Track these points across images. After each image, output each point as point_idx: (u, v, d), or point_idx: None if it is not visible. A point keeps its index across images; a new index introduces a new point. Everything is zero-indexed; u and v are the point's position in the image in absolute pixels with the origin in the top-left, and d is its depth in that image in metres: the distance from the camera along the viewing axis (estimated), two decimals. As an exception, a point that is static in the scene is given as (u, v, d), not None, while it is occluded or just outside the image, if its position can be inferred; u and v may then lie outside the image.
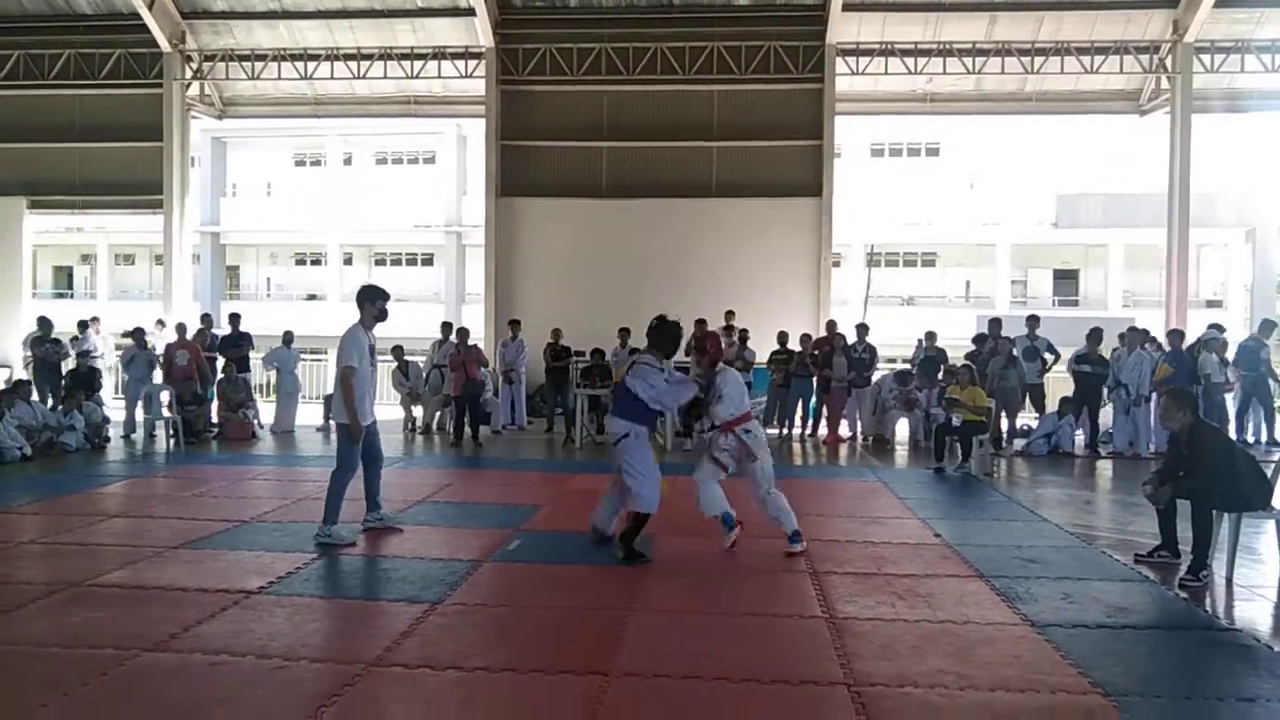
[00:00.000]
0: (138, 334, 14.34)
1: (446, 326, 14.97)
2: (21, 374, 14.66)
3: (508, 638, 5.09)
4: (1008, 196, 32.53)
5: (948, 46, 16.94)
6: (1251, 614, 5.80)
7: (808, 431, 14.25)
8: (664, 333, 6.71)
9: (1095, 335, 13.15)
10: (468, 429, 13.35)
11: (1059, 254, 34.46)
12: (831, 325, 14.60)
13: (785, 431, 14.16)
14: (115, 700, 4.11)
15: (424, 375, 14.68)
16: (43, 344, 14.47)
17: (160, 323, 16.17)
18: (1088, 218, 32.15)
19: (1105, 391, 13.03)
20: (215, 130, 31.80)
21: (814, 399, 14.21)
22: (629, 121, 17.26)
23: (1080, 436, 13.07)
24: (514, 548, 6.97)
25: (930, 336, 14.34)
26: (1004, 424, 13.00)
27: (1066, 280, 35.10)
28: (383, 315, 7.23)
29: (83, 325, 15.49)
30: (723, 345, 12.41)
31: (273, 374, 14.55)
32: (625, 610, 5.43)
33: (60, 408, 12.66)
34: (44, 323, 14.83)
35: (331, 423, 8.94)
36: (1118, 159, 30.58)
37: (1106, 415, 13.31)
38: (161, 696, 4.13)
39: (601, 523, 6.91)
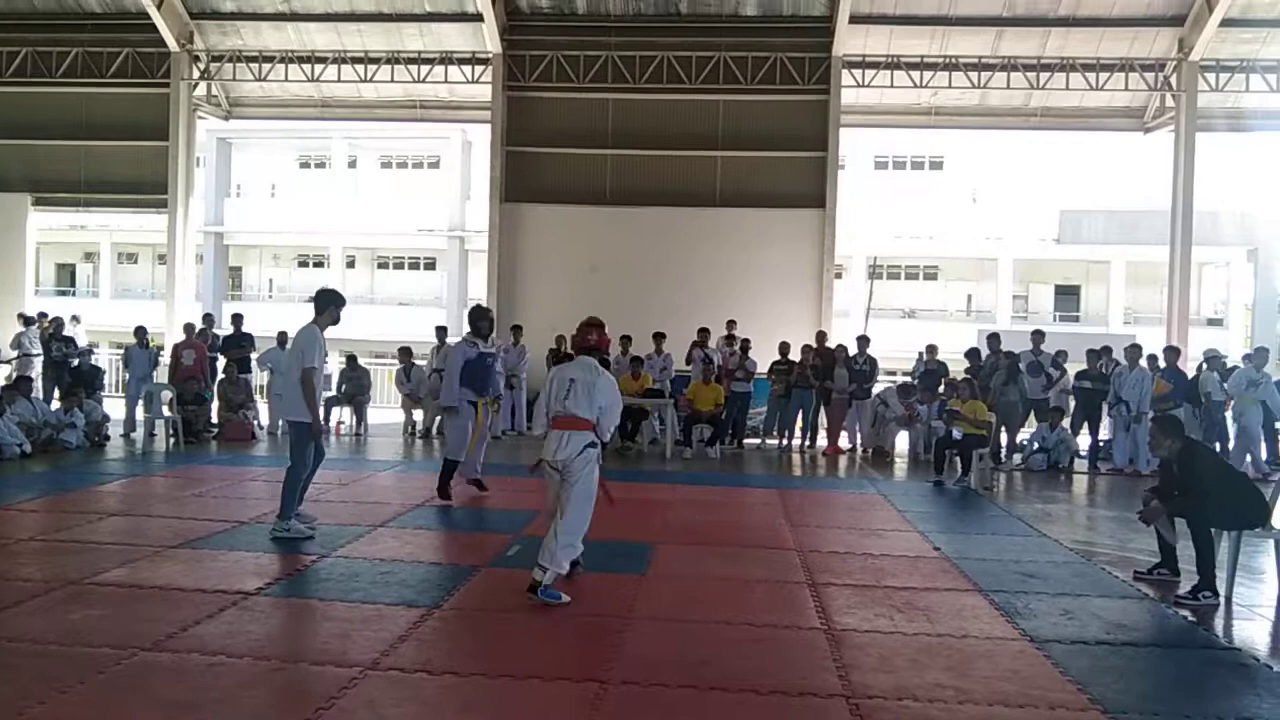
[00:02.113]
0: (139, 333, 14.34)
1: (442, 331, 14.99)
2: (24, 371, 14.62)
3: (505, 643, 5.08)
4: (1010, 211, 32.58)
5: (953, 61, 16.97)
6: (1251, 633, 5.79)
7: (807, 443, 14.25)
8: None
9: (1102, 351, 13.18)
10: (468, 434, 13.33)
11: (1061, 269, 34.51)
12: (821, 336, 14.61)
13: (785, 442, 14.16)
14: (113, 699, 4.10)
15: (425, 379, 14.68)
16: (53, 341, 14.46)
17: (75, 318, 15.99)
18: (1090, 234, 32.21)
19: (1105, 408, 13.03)
20: (221, 131, 31.84)
21: (814, 410, 14.21)
22: (634, 129, 17.28)
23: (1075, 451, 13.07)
24: (513, 553, 6.96)
25: (931, 350, 14.35)
26: (1004, 439, 13.00)
27: (1068, 296, 35.13)
28: (336, 319, 7.56)
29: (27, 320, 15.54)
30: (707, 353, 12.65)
31: (267, 374, 14.50)
32: (623, 618, 5.42)
33: (60, 405, 12.66)
34: (49, 319, 14.84)
35: (281, 422, 9.17)
36: (1121, 176, 30.62)
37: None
38: (159, 696, 4.12)
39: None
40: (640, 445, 13.66)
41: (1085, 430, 13.49)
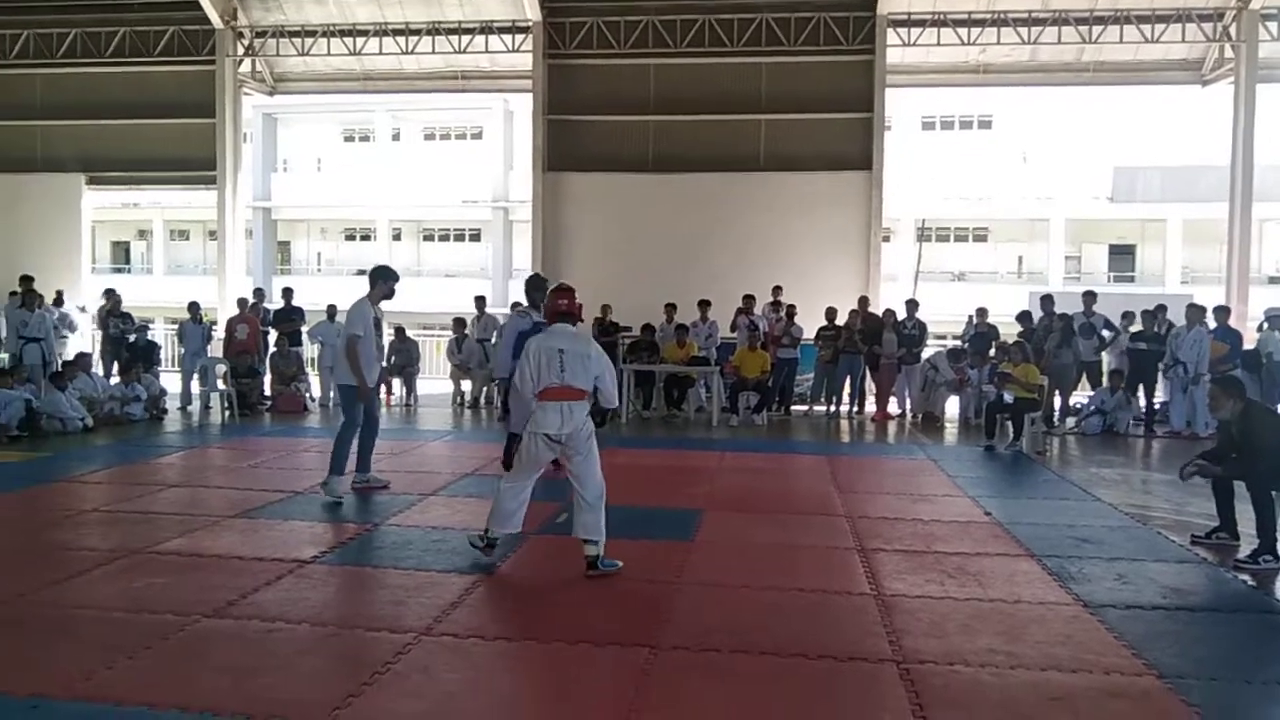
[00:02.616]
0: (193, 308, 14.61)
1: (481, 300, 15.07)
2: (86, 347, 14.97)
3: (556, 609, 5.14)
4: (1062, 170, 31.83)
5: (1002, 16, 16.55)
6: (1313, 597, 5.67)
7: (856, 409, 14.15)
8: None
9: (1156, 311, 12.90)
10: (515, 403, 13.45)
11: (1115, 229, 33.66)
12: (863, 301, 14.45)
13: (833, 409, 14.08)
14: (177, 663, 4.22)
15: (475, 350, 14.77)
16: (110, 318, 14.76)
17: (81, 308, 16.17)
18: (1146, 191, 31.35)
19: (1161, 370, 12.77)
20: (266, 106, 32.05)
21: (862, 376, 14.10)
22: (676, 94, 17.11)
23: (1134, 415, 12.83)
24: (561, 520, 6.99)
25: (981, 313, 14.14)
26: (1057, 402, 12.80)
27: (1122, 256, 34.30)
28: (390, 294, 7.88)
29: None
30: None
31: (317, 347, 14.67)
32: (672, 584, 5.45)
33: (118, 380, 12.97)
34: (110, 294, 15.15)
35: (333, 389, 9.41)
36: (1178, 131, 29.74)
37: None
38: (221, 661, 4.23)
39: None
40: (686, 413, 13.67)
41: (1140, 393, 13.22)
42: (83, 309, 17.17)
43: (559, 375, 5.73)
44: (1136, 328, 13.19)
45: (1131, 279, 33.02)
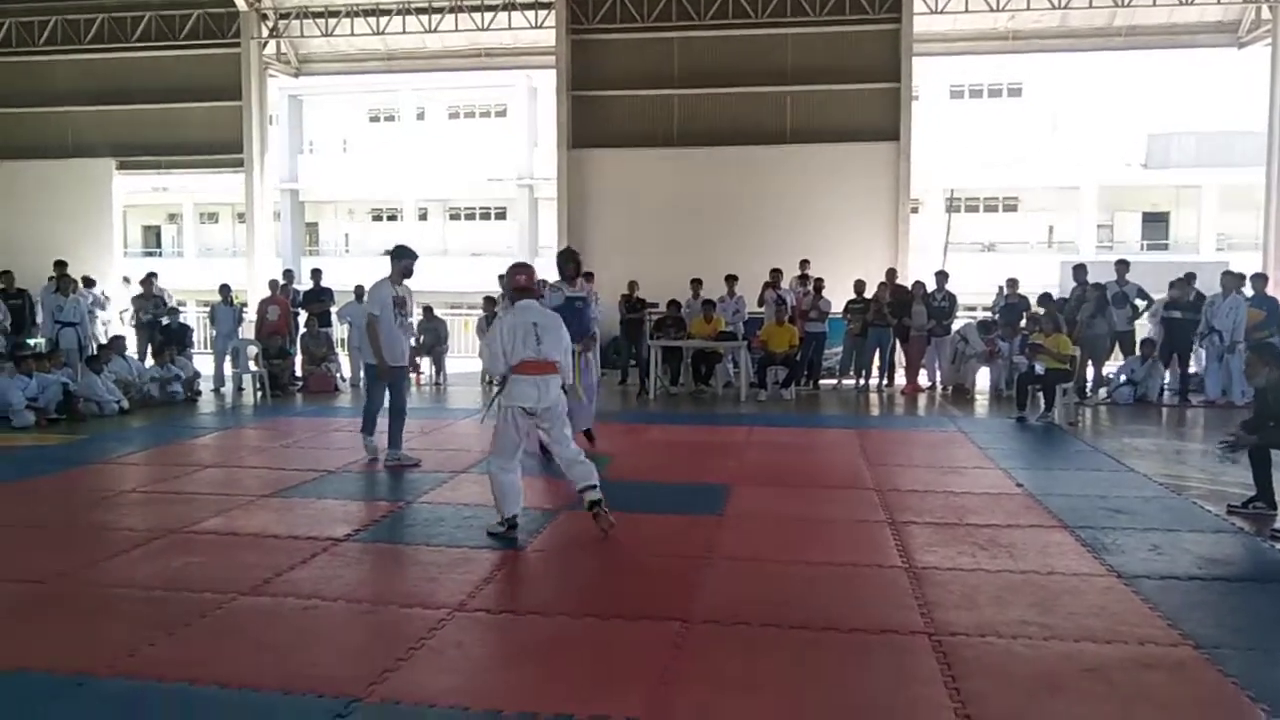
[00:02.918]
0: (223, 290, 14.75)
1: (504, 278, 15.08)
2: (119, 330, 15.16)
3: (587, 584, 5.18)
4: (1094, 137, 31.30)
5: (1032, -20, 16.27)
6: (1352, 566, 5.60)
7: (885, 381, 14.08)
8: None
9: (1186, 279, 12.70)
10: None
11: (1148, 196, 33.11)
12: (891, 274, 14.32)
13: (863, 382, 14.02)
14: (216, 640, 4.29)
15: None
16: (144, 300, 14.92)
17: (153, 275, 16.24)
18: (1180, 157, 30.79)
19: (1197, 338, 12.59)
20: (292, 88, 32.22)
21: (891, 348, 14.01)
22: (700, 68, 16.99)
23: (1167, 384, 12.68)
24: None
25: (1012, 283, 13.98)
26: (1090, 372, 12.67)
27: (1156, 223, 33.77)
28: (408, 272, 8.22)
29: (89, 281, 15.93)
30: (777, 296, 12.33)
31: (345, 328, 14.73)
32: (703, 558, 5.46)
33: (153, 363, 13.14)
34: (146, 281, 15.31)
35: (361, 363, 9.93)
36: (1212, 95, 29.14)
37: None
38: (259, 638, 4.30)
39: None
40: (714, 389, 13.66)
41: (1175, 362, 13.06)
42: (126, 280, 17.26)
43: (535, 349, 5.82)
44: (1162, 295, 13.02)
45: (1165, 247, 32.50)
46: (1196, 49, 18.45)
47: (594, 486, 5.88)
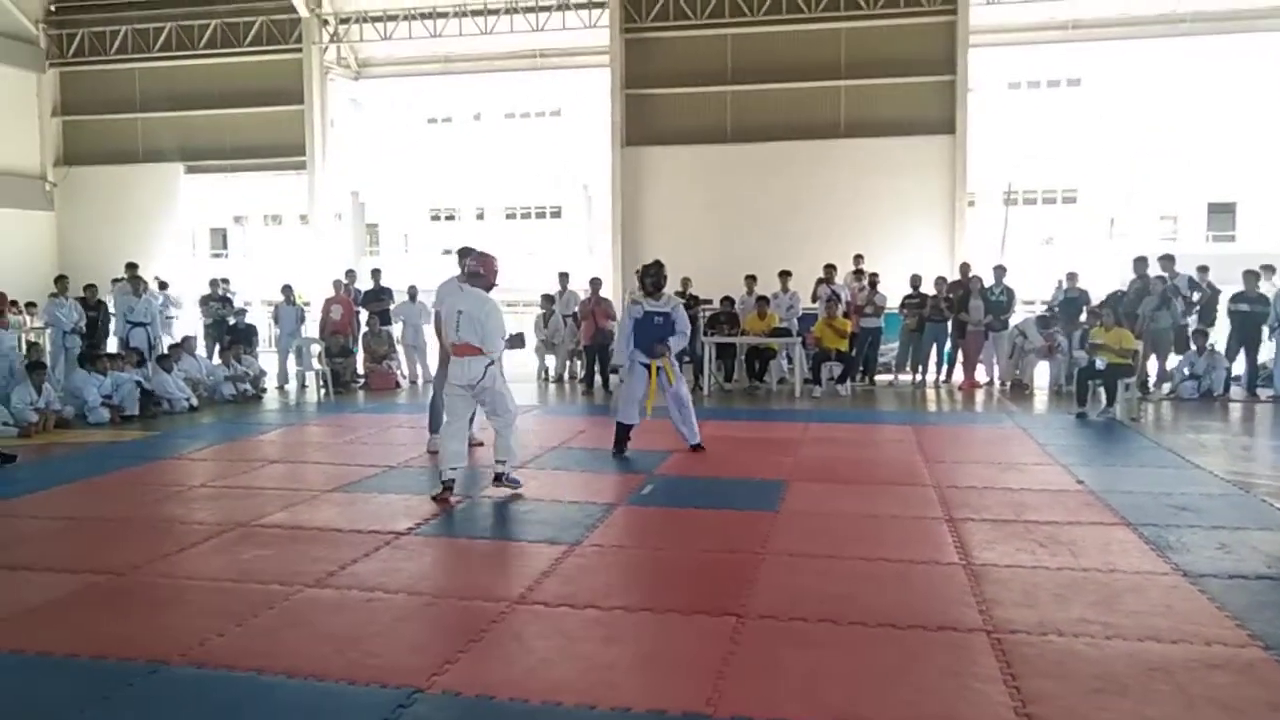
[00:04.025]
0: (286, 291, 15.06)
1: (564, 277, 15.19)
2: (190, 330, 15.55)
3: (643, 579, 5.22)
4: (1155, 127, 30.50)
5: (1093, -32, 15.95)
6: None
7: (942, 377, 13.92)
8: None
9: (1262, 271, 12.38)
10: (598, 377, 13.61)
11: (1214, 186, 32.19)
12: (965, 268, 14.14)
13: (920, 378, 13.87)
14: (284, 630, 4.41)
15: (561, 325, 14.90)
16: (210, 302, 15.29)
17: (225, 280, 16.30)
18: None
19: (1266, 331, 12.26)
20: (351, 92, 32.73)
21: (949, 344, 13.84)
22: (753, 64, 16.93)
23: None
24: (647, 492, 7.11)
25: (1072, 277, 13.73)
26: (1153, 366, 12.40)
27: (1222, 214, 32.83)
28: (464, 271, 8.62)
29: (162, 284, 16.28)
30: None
31: (398, 327, 14.89)
32: (758, 554, 5.48)
33: (219, 361, 13.48)
34: (213, 283, 15.69)
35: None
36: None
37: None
38: (324, 628, 4.41)
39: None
40: (769, 384, 13.63)
41: (1242, 355, 12.71)
42: (226, 281, 17.30)
43: (455, 334, 6.79)
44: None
45: (1232, 238, 31.59)
46: (1266, 33, 17.87)
47: (503, 462, 6.95)
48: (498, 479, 6.93)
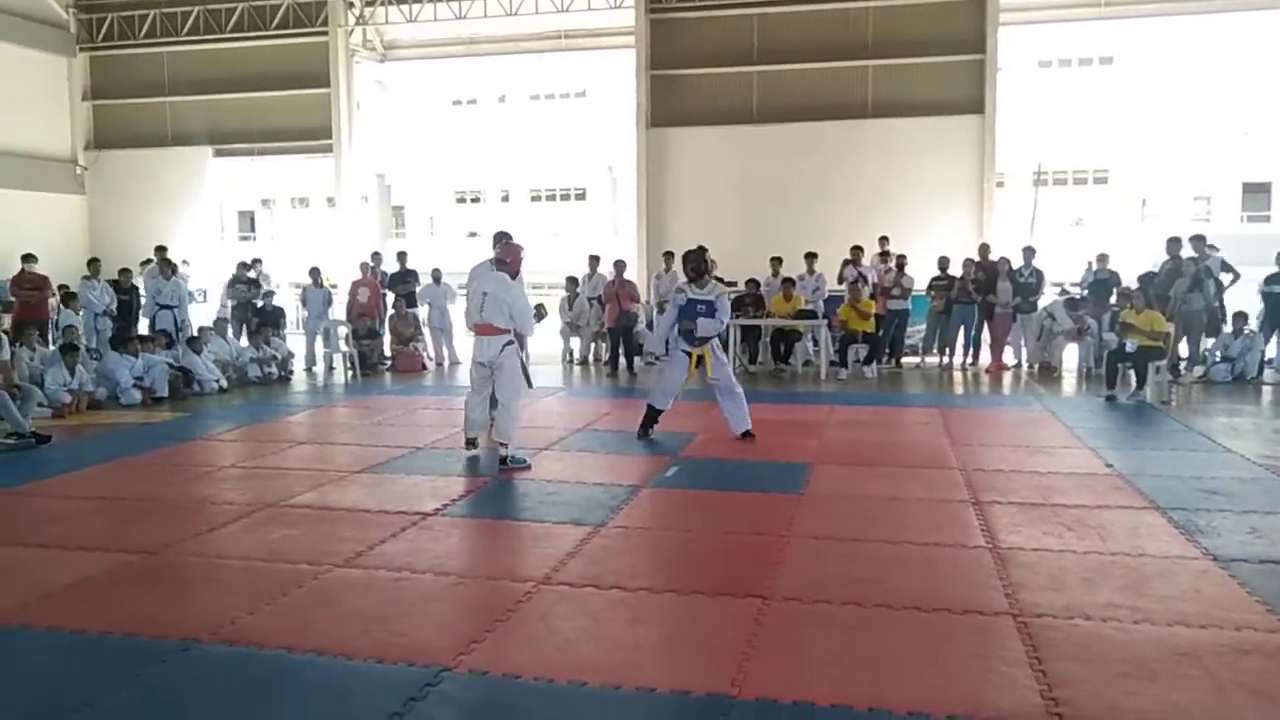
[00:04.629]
0: (314, 273, 15.16)
1: (594, 260, 15.16)
2: (208, 315, 15.70)
3: (668, 560, 5.24)
4: (1189, 106, 29.98)
5: (1126, -57, 15.68)
6: None
7: (970, 360, 13.81)
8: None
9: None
10: (622, 359, 13.62)
11: (1249, 166, 31.63)
12: (984, 249, 13.98)
13: (947, 360, 13.78)
14: (313, 609, 4.47)
15: (586, 308, 14.91)
16: (237, 284, 15.40)
17: (258, 261, 16.29)
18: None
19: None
20: (378, 74, 32.78)
21: (976, 326, 13.72)
22: (780, 44, 16.79)
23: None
24: (672, 474, 7.12)
25: (1102, 259, 13.58)
26: (1184, 349, 12.25)
27: (1257, 194, 32.26)
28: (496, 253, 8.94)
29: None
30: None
31: (424, 309, 14.95)
32: (783, 536, 5.47)
33: (248, 343, 13.60)
34: (241, 265, 15.80)
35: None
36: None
37: None
38: (353, 608, 4.46)
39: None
40: (794, 367, 13.59)
41: (1276, 338, 12.54)
42: (259, 262, 17.24)
43: (478, 314, 7.30)
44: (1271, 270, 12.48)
45: (1267, 219, 31.05)
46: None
47: (505, 445, 7.24)
48: (502, 463, 7.20)
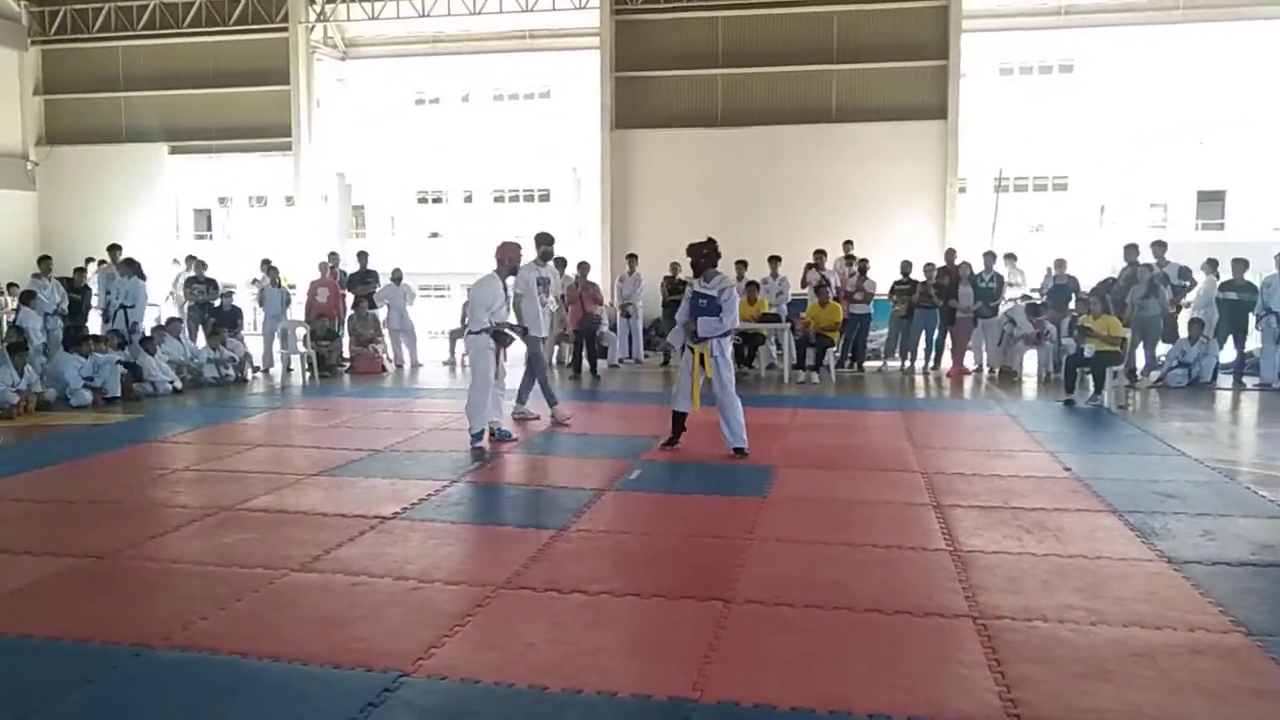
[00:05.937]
0: (273, 273, 14.95)
1: (560, 262, 15.07)
2: (173, 313, 15.42)
3: (630, 563, 5.20)
4: (1147, 114, 30.53)
5: (1087, -47, 15.91)
6: None
7: (931, 364, 13.93)
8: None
9: (1243, 261, 12.41)
10: (585, 362, 13.57)
11: (1204, 174, 32.28)
12: (950, 254, 14.12)
13: (909, 364, 13.88)
14: (268, 615, 4.39)
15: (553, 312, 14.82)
16: (194, 284, 15.15)
17: (195, 259, 16.01)
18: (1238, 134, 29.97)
19: (1253, 320, 12.30)
20: (338, 72, 32.47)
21: (938, 331, 13.84)
22: (745, 47, 16.85)
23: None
24: (635, 477, 7.09)
25: (1060, 264, 13.74)
26: (1141, 354, 12.43)
27: (1211, 202, 32.92)
28: (547, 256, 9.95)
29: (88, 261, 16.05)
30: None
31: (383, 310, 14.79)
32: (746, 539, 5.47)
33: (205, 344, 13.38)
34: (196, 263, 15.51)
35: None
36: (1273, 70, 28.29)
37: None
38: (309, 612, 4.39)
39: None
40: (757, 370, 13.61)
41: (1230, 344, 12.76)
42: (176, 261, 17.12)
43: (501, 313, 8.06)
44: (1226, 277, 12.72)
45: (1221, 226, 31.70)
46: (1264, 20, 17.86)
47: (497, 421, 8.30)
48: (493, 431, 8.16)
